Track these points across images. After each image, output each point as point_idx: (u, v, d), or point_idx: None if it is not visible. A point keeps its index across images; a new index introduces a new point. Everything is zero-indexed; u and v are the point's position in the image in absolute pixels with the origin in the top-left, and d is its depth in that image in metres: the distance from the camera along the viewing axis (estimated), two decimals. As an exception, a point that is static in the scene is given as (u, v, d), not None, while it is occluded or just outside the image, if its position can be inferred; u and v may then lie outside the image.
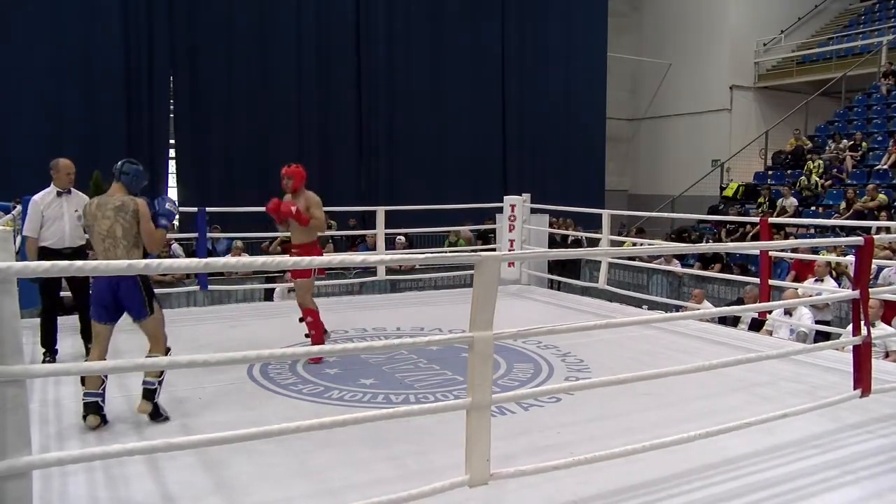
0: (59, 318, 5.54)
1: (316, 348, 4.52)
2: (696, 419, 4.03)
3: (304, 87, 15.81)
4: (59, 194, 5.32)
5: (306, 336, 5.60)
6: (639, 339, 6.20)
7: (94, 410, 3.96)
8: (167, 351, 4.17)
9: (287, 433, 2.66)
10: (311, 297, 5.62)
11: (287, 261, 3.32)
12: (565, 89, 19.01)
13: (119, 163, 4.27)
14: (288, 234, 5.81)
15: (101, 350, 4.06)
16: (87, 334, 5.36)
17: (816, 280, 8.04)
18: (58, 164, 5.35)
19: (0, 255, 2.24)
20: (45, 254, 5.17)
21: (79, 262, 2.42)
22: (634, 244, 10.55)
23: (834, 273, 8.40)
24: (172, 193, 14.89)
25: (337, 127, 16.18)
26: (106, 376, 4.04)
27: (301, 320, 5.65)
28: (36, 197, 5.30)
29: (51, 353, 5.38)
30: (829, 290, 7.42)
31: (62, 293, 5.66)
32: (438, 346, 4.94)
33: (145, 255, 4.25)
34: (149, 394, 4.07)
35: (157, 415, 4.10)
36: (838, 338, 6.19)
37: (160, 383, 4.11)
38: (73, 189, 5.39)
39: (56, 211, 5.29)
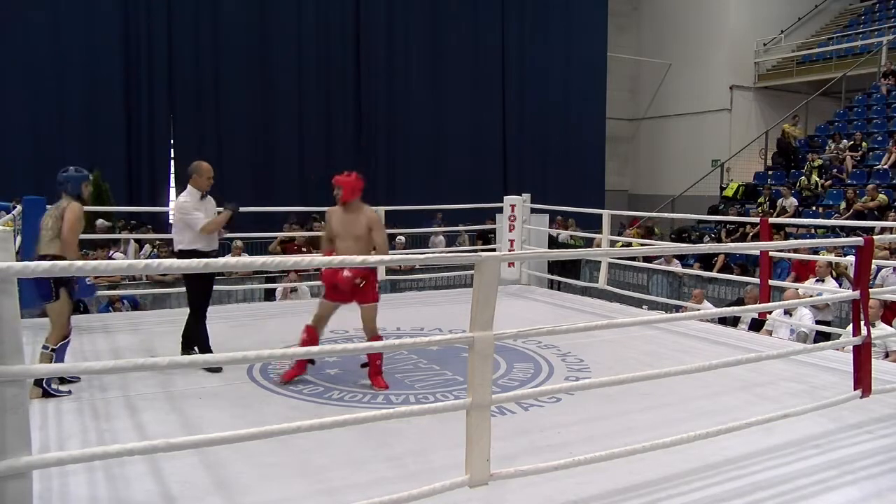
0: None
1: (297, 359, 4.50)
2: (696, 419, 4.03)
3: (304, 88, 15.83)
4: (201, 197, 5.20)
5: (363, 366, 5.00)
6: (639, 339, 6.20)
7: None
8: (65, 338, 4.43)
9: (287, 433, 2.66)
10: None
11: (287, 260, 3.30)
12: (565, 89, 19.03)
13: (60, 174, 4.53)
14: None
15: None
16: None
17: (817, 280, 8.04)
18: (200, 168, 5.22)
19: (0, 255, 2.24)
20: (199, 257, 4.94)
21: (79, 262, 2.41)
22: (631, 244, 10.55)
23: (834, 273, 8.39)
24: (172, 193, 14.91)
25: (337, 127, 16.20)
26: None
27: (364, 365, 5.01)
28: (187, 203, 5.11)
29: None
30: (830, 290, 7.42)
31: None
32: (438, 346, 4.93)
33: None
34: (45, 357, 4.31)
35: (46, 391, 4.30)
36: (838, 338, 6.19)
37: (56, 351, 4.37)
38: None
39: (204, 215, 5.17)
